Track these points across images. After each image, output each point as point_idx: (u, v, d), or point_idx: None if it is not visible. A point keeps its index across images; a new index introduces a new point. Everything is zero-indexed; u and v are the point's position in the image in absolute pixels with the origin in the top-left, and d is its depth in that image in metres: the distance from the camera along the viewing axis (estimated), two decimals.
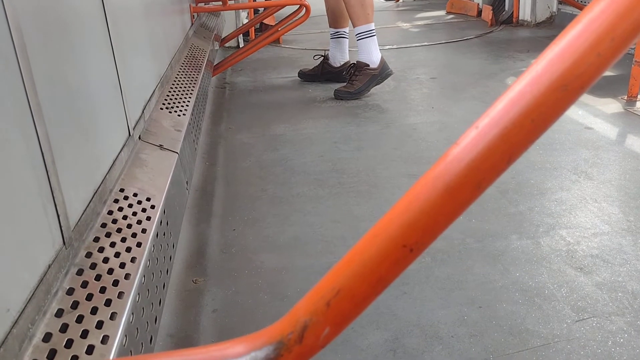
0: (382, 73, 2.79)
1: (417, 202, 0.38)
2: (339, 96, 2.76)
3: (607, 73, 2.97)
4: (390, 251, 0.39)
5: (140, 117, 1.31)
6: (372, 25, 2.76)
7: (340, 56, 3.08)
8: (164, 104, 1.57)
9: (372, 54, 2.77)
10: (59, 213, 0.78)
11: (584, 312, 1.19)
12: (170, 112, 1.56)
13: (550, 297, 1.24)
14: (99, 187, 0.96)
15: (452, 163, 0.37)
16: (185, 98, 1.74)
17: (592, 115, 2.36)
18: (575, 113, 2.39)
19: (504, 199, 1.68)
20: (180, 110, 1.61)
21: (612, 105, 2.48)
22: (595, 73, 0.36)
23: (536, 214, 1.59)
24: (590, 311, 1.19)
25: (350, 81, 2.80)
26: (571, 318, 1.17)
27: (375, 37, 2.77)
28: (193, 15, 2.69)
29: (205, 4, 3.07)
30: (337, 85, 2.87)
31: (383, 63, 2.79)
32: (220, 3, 2.88)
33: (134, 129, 1.23)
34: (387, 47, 3.95)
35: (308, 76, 3.13)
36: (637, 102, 2.49)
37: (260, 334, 0.43)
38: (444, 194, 0.37)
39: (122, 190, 1.06)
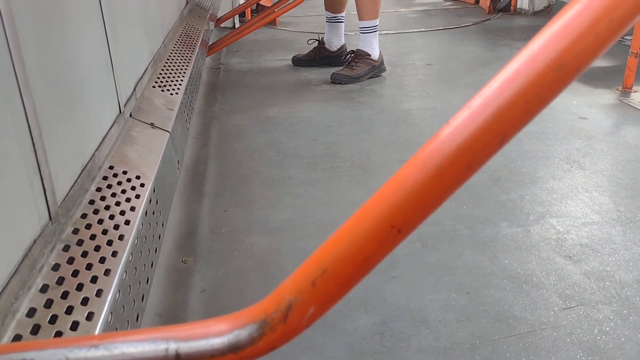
0: (380, 66, 2.81)
1: (407, 183, 0.37)
2: (336, 79, 2.74)
3: (603, 64, 2.97)
4: (378, 231, 0.38)
5: (132, 94, 1.29)
6: (378, 22, 2.78)
7: (337, 40, 3.05)
8: (156, 82, 1.55)
9: (374, 49, 2.80)
10: (46, 188, 0.76)
11: (572, 300, 1.19)
12: (162, 91, 1.54)
13: (539, 284, 1.25)
14: (87, 164, 0.95)
15: (444, 143, 0.37)
16: (179, 77, 1.72)
17: (586, 106, 2.36)
18: (569, 103, 2.39)
19: (495, 186, 1.68)
20: (173, 89, 1.59)
21: (607, 96, 2.48)
22: (593, 54, 0.35)
23: (527, 202, 1.60)
24: (578, 299, 1.20)
25: (349, 65, 2.78)
26: (558, 306, 1.18)
27: (377, 33, 2.79)
28: None
29: None
30: (333, 70, 2.85)
31: (381, 59, 2.82)
32: None
33: (125, 106, 1.21)
34: (385, 32, 3.92)
35: (303, 61, 3.09)
36: (632, 94, 2.49)
37: (244, 313, 0.42)
38: (435, 175, 0.37)
39: (111, 167, 1.05)
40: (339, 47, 3.05)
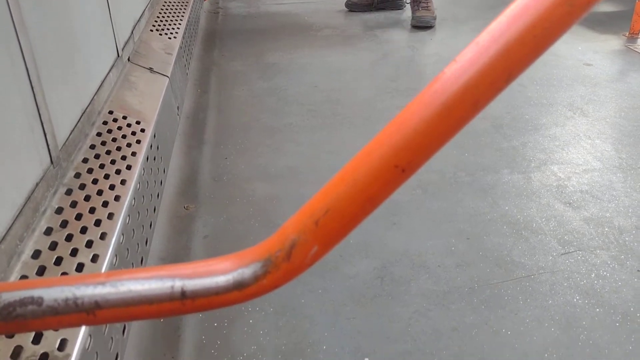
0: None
1: (412, 121, 0.37)
2: (420, 22, 2.62)
3: (610, 8, 2.90)
4: (382, 171, 0.38)
5: (130, 37, 1.27)
6: None
7: None
8: (154, 26, 1.52)
9: None
10: (46, 131, 0.76)
11: (570, 246, 1.21)
12: (160, 35, 1.51)
13: (538, 230, 1.26)
14: (87, 108, 0.94)
15: (450, 80, 0.36)
16: (176, 20, 1.69)
17: (591, 52, 2.32)
18: (574, 49, 2.35)
19: (497, 133, 1.67)
20: (171, 33, 1.56)
21: (613, 42, 2.43)
22: None
23: (529, 149, 1.59)
24: (576, 245, 1.21)
25: (423, 6, 2.64)
26: (557, 251, 1.19)
27: None
28: None
29: None
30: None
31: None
32: None
33: (122, 49, 1.19)
34: None
35: (359, 6, 2.93)
36: (639, 40, 2.44)
37: (248, 252, 0.42)
38: (440, 113, 0.36)
39: (111, 112, 1.04)
40: None
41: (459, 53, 0.36)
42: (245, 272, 0.42)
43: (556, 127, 1.70)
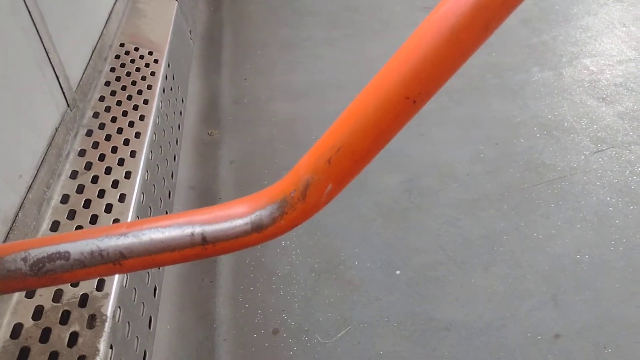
0: None
1: (420, 50, 0.34)
2: None
3: None
4: (392, 104, 0.36)
5: None
6: None
7: None
8: None
9: None
10: (58, 74, 0.75)
11: (603, 143, 1.17)
12: None
13: (570, 129, 1.22)
14: (97, 44, 0.92)
15: (458, 2, 0.33)
16: None
17: None
18: None
19: (525, 28, 1.59)
20: None
21: None
22: None
23: (559, 43, 1.51)
24: (610, 142, 1.17)
25: None
26: (589, 150, 1.16)
27: None
28: None
29: None
30: None
31: None
32: None
33: None
34: None
35: None
36: None
37: (263, 193, 0.42)
38: (449, 38, 0.33)
39: (122, 45, 1.02)
40: None
41: None
42: (263, 214, 0.41)
43: (588, 16, 1.61)
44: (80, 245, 0.43)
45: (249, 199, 0.42)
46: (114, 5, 1.04)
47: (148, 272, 0.72)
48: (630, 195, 1.05)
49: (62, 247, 0.43)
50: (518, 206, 1.06)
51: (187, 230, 0.42)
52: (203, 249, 0.42)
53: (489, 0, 0.32)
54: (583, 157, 1.15)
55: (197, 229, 0.42)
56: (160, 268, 0.75)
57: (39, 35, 0.73)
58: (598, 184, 1.08)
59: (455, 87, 1.39)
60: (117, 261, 0.42)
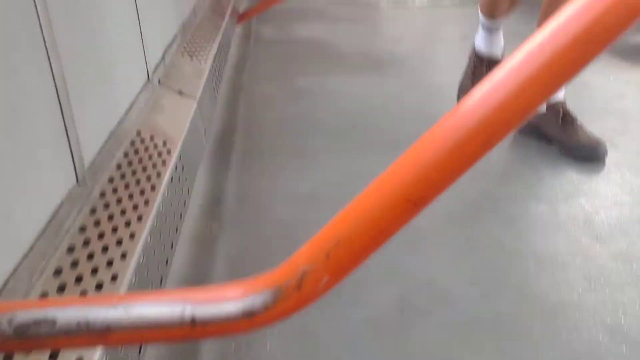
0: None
1: (425, 155, 0.37)
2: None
3: None
4: (393, 205, 0.38)
5: (161, 61, 1.30)
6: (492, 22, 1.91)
7: None
8: (185, 49, 1.55)
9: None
10: (73, 151, 0.78)
11: (597, 282, 1.18)
12: (191, 59, 1.55)
13: (564, 265, 1.23)
14: (115, 129, 0.96)
15: (464, 116, 0.36)
16: (208, 45, 1.72)
17: (623, 83, 2.28)
18: (606, 79, 2.31)
19: (525, 164, 1.65)
20: (202, 57, 1.60)
21: None
22: (623, 26, 0.34)
23: (556, 180, 1.56)
24: (604, 281, 1.18)
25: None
26: (583, 287, 1.16)
27: None
28: None
29: None
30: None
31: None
32: None
33: (153, 73, 1.22)
34: (417, 3, 3.84)
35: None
36: None
37: (259, 279, 0.43)
38: (453, 148, 0.36)
39: (138, 133, 1.06)
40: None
41: (473, 89, 0.36)
42: (256, 299, 0.42)
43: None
44: (68, 313, 0.42)
45: (245, 283, 0.42)
46: (137, 96, 1.10)
47: (128, 356, 0.70)
48: (622, 334, 1.04)
49: (49, 313, 0.42)
50: (510, 333, 1.04)
51: (177, 309, 0.42)
52: (192, 329, 0.42)
53: (492, 118, 0.35)
54: (576, 294, 1.15)
55: (188, 308, 0.42)
56: (141, 354, 0.73)
57: (62, 113, 0.77)
58: (591, 321, 1.07)
59: (453, 210, 1.42)
60: (103, 334, 0.42)
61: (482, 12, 1.91)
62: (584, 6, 0.34)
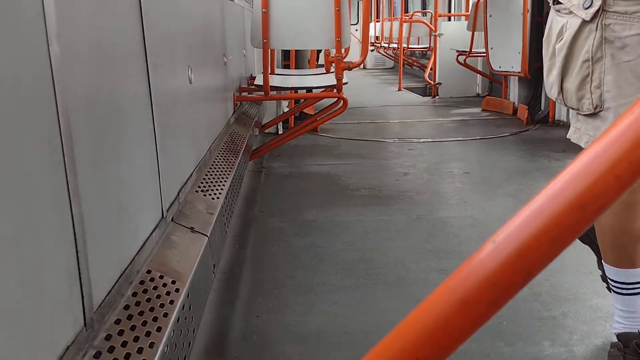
0: None
1: (431, 315, 0.37)
2: None
3: None
4: None
5: (175, 199, 1.34)
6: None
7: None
8: (199, 187, 1.61)
9: None
10: (84, 294, 0.79)
11: None
12: (204, 195, 1.60)
13: None
14: (126, 269, 0.98)
15: (468, 277, 0.37)
16: (221, 182, 1.78)
17: None
18: None
19: (536, 301, 1.63)
20: (215, 194, 1.65)
21: None
22: (614, 195, 0.36)
23: (570, 319, 1.53)
24: None
25: None
26: None
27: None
28: (236, 104, 2.81)
29: (248, 94, 3.20)
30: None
31: None
32: (262, 93, 3.00)
33: (167, 210, 1.26)
34: (422, 140, 4.01)
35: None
36: None
37: None
38: (459, 309, 0.37)
39: (149, 272, 1.07)
40: None
41: (475, 251, 0.37)
42: None
43: (597, 297, 1.65)
44: None
45: None
46: (150, 234, 1.12)
47: None
48: None
49: None
50: None
51: None
52: None
53: (497, 279, 0.36)
54: None
55: None
56: None
57: (77, 253, 0.78)
58: None
59: (466, 352, 1.37)
60: None
61: (609, 261, 1.31)
62: (577, 175, 0.36)
